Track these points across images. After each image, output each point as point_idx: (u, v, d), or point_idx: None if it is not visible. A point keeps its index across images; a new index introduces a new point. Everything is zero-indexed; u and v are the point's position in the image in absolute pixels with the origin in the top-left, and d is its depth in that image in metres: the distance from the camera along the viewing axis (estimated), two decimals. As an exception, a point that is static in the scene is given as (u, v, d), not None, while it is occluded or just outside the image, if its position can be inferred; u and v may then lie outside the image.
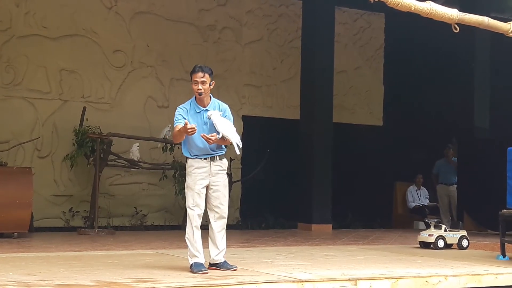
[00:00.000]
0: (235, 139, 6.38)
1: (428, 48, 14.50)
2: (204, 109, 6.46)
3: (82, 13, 12.36)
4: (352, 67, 15.27)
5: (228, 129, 6.36)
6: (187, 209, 6.42)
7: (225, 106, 6.62)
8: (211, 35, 13.35)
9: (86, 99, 12.29)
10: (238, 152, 6.46)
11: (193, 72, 6.43)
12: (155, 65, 13.01)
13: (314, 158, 12.81)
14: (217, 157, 6.45)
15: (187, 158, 6.51)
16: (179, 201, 12.36)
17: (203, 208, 6.40)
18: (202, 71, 6.39)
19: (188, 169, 6.44)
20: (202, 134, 6.26)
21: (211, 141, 6.27)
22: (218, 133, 6.31)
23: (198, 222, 6.36)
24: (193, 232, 6.34)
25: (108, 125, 11.95)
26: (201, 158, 6.39)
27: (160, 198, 12.80)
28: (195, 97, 6.48)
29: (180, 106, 6.53)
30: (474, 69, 13.14)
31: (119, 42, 12.70)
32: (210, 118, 6.35)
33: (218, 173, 6.46)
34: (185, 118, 6.37)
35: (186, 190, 6.46)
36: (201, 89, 6.38)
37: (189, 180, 6.41)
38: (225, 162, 6.56)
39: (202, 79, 6.37)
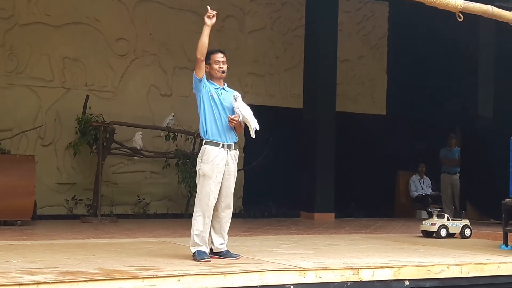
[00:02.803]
0: (254, 123, 6.42)
1: (432, 37, 14.46)
2: (221, 87, 6.53)
3: (85, 1, 12.34)
4: (355, 56, 15.23)
5: (249, 112, 6.44)
6: (202, 198, 6.29)
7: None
8: (214, 23, 13.26)
9: (89, 87, 12.29)
10: (253, 135, 6.46)
11: (212, 53, 6.49)
12: (158, 53, 12.99)
13: (317, 147, 12.79)
14: (233, 145, 6.47)
15: (204, 142, 6.40)
16: (182, 189, 12.38)
17: (216, 198, 6.37)
18: (222, 52, 6.53)
19: (204, 157, 6.32)
20: (229, 116, 6.34)
21: (234, 122, 6.35)
22: (239, 116, 6.40)
23: (211, 212, 6.33)
24: (204, 222, 6.28)
25: (111, 113, 11.94)
26: (218, 146, 6.34)
27: (163, 186, 12.82)
28: (208, 78, 6.46)
29: None
30: (478, 58, 13.11)
31: (122, 30, 12.69)
32: (236, 100, 6.40)
33: (233, 163, 6.46)
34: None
35: (201, 179, 6.31)
36: (223, 68, 6.48)
37: (206, 169, 6.29)
38: (237, 152, 6.56)
39: (223, 59, 6.49)
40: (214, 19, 6.33)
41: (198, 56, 6.28)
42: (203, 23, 6.39)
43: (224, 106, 6.44)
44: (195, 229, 6.31)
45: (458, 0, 6.42)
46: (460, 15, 6.44)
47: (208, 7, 6.39)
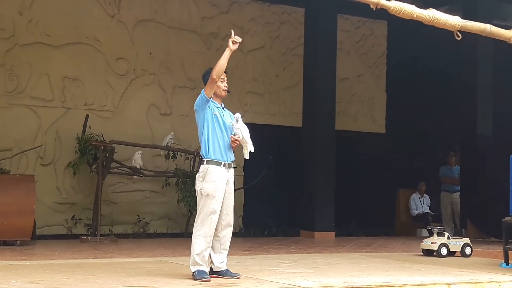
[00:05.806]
0: (250, 145, 6.54)
1: (431, 55, 14.51)
2: (221, 106, 6.62)
3: (85, 21, 12.39)
4: (354, 75, 15.28)
5: (248, 134, 6.55)
6: (205, 218, 6.31)
7: None
8: (214, 42, 13.35)
9: (89, 107, 12.31)
10: (247, 157, 6.57)
11: None
12: (157, 72, 13.02)
13: (316, 165, 12.81)
14: (232, 163, 6.54)
15: (205, 162, 6.42)
16: (182, 208, 12.37)
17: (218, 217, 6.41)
18: (225, 71, 6.57)
19: (207, 176, 6.35)
20: (231, 136, 6.46)
21: (237, 143, 6.46)
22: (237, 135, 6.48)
23: (213, 231, 6.36)
24: (205, 241, 6.30)
25: (110, 132, 11.96)
26: (220, 165, 6.39)
27: (162, 205, 12.80)
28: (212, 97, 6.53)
29: None
30: (476, 76, 13.15)
31: (122, 50, 12.73)
32: (237, 121, 6.50)
33: (232, 181, 6.53)
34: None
35: (204, 198, 6.34)
36: (227, 86, 6.61)
37: (209, 188, 6.32)
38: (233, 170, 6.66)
39: (225, 78, 6.59)
40: (237, 45, 6.38)
41: (214, 76, 6.35)
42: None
43: (226, 126, 6.52)
44: (196, 248, 6.30)
45: (456, 19, 6.44)
46: (458, 33, 6.46)
47: (232, 31, 6.47)
